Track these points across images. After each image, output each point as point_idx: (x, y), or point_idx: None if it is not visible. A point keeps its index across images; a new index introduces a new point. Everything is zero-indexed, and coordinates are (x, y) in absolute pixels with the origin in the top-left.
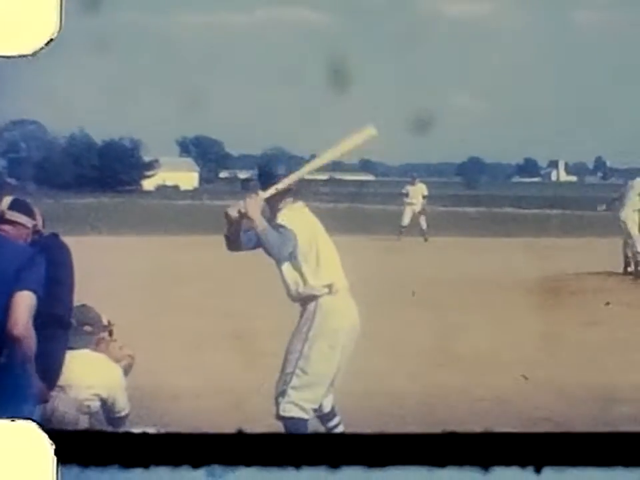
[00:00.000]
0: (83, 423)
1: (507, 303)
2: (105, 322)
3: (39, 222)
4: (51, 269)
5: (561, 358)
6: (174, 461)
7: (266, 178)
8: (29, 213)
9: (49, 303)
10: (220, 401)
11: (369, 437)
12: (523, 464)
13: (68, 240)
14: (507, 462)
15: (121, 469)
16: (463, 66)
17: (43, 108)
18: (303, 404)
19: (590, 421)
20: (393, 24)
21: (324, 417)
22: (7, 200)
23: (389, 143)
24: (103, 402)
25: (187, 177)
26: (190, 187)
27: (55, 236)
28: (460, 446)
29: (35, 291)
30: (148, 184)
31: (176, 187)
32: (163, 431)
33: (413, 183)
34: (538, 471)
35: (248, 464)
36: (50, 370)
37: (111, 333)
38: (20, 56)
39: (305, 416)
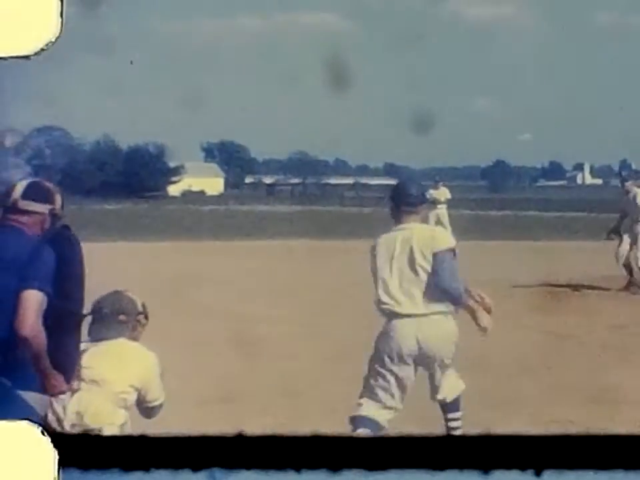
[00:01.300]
0: (121, 418)
1: (532, 305)
2: (139, 307)
3: (57, 204)
4: (61, 263)
5: (582, 361)
6: (174, 463)
7: (399, 198)
8: (45, 197)
9: (59, 297)
10: (224, 404)
11: (369, 440)
12: (522, 467)
13: (94, 246)
14: (507, 465)
15: (120, 472)
16: (489, 69)
17: (67, 114)
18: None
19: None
20: (413, 27)
21: (445, 407)
22: (21, 186)
23: (413, 146)
24: (139, 392)
25: (212, 183)
26: (216, 192)
27: (65, 228)
28: (460, 448)
29: (41, 289)
30: (173, 189)
31: (202, 193)
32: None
33: (436, 187)
34: (538, 473)
35: (248, 467)
36: (66, 364)
37: (146, 316)
38: (20, 57)
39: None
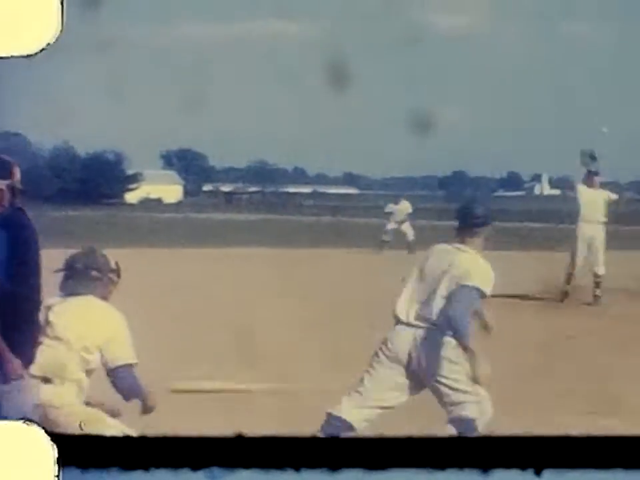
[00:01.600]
0: (83, 379)
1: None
2: (112, 265)
3: (16, 177)
4: (13, 247)
5: (535, 370)
6: (174, 463)
7: (464, 217)
8: (1, 173)
9: (13, 283)
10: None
11: (368, 440)
12: (522, 466)
13: (52, 252)
14: (507, 464)
15: (120, 471)
16: (447, 79)
17: (27, 119)
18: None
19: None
20: (379, 37)
21: (457, 424)
22: None
23: (372, 156)
24: (101, 352)
25: (170, 190)
26: (173, 200)
27: (19, 211)
28: (460, 448)
29: None
30: (131, 197)
31: (159, 200)
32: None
33: (397, 202)
34: (538, 473)
35: (247, 466)
36: (23, 349)
37: (119, 275)
38: (20, 56)
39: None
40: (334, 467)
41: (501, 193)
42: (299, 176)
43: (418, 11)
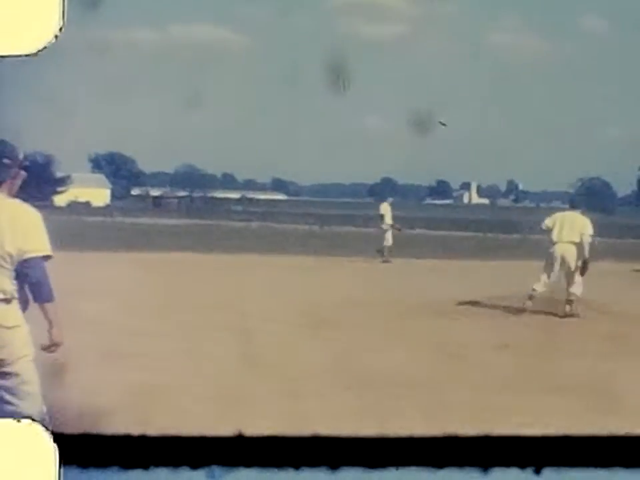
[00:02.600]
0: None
1: (415, 324)
2: (21, 157)
3: None
4: None
5: (465, 378)
6: (173, 462)
7: None
8: None
9: None
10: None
11: (368, 439)
12: (522, 465)
13: None
14: (507, 463)
15: (120, 469)
16: (376, 87)
17: None
18: None
19: None
20: (310, 47)
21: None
22: None
23: (301, 163)
24: (18, 250)
25: (98, 194)
26: (101, 204)
27: None
28: (460, 447)
29: None
30: (59, 200)
31: (88, 203)
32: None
33: (388, 202)
34: (537, 472)
35: (247, 465)
36: None
37: (25, 169)
38: (21, 55)
39: None
40: (334, 466)
41: (429, 201)
42: (228, 181)
43: (345, 21)
